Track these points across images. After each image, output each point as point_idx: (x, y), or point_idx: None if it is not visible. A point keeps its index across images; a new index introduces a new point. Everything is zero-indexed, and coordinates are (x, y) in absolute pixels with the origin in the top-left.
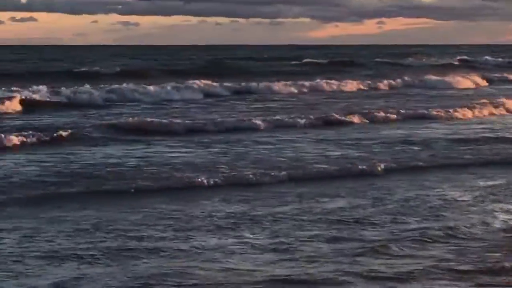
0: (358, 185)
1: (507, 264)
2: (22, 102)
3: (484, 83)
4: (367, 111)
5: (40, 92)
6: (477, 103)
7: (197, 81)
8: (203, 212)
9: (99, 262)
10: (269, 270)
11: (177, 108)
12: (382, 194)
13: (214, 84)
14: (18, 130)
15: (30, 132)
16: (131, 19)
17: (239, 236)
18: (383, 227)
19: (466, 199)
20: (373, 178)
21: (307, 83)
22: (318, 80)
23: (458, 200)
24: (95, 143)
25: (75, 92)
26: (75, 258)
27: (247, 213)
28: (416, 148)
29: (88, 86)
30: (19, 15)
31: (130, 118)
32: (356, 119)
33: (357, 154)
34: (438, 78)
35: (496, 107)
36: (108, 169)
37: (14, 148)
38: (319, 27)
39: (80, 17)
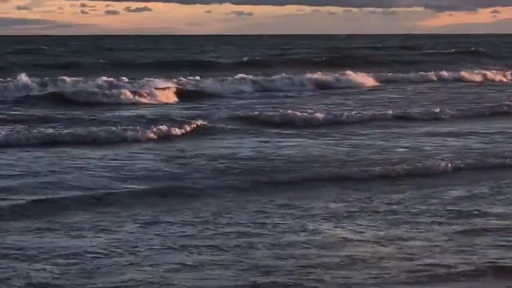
0: None
1: None
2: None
3: None
4: None
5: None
6: None
7: (349, 71)
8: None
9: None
10: None
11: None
12: None
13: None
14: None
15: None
16: (245, 8)
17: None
18: None
19: None
20: None
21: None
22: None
23: None
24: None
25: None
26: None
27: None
28: None
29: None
30: (134, 5)
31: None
32: None
33: None
34: None
35: None
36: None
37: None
38: (432, 16)
39: (194, 6)
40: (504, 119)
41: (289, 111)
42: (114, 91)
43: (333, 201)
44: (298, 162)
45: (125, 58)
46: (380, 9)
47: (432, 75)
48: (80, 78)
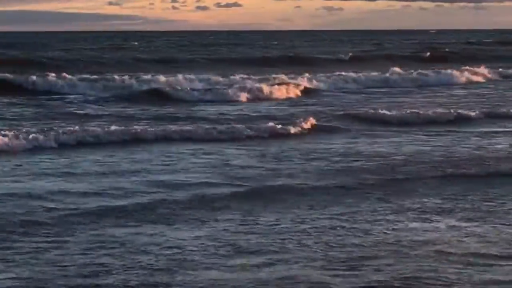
0: None
1: None
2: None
3: None
4: None
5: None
6: None
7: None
8: None
9: None
10: None
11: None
12: None
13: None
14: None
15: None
16: (335, 4)
17: None
18: None
19: None
20: None
21: None
22: None
23: None
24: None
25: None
26: None
27: None
28: None
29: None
30: (224, 0)
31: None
32: None
33: None
34: None
35: None
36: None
37: None
38: None
39: (284, 2)
40: None
41: (408, 111)
42: (222, 89)
43: None
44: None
45: (220, 53)
46: (471, 4)
47: None
48: (192, 76)
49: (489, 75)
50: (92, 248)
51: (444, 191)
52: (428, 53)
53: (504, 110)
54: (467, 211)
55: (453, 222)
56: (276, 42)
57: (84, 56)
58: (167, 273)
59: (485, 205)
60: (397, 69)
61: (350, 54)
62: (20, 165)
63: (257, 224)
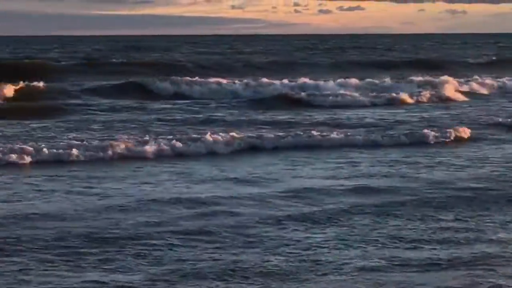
0: None
1: None
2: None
3: None
4: None
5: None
6: None
7: None
8: None
9: None
10: None
11: None
12: None
13: None
14: None
15: None
16: (459, 7)
17: None
18: None
19: None
20: None
21: None
22: None
23: None
24: None
25: None
26: None
27: None
28: None
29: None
30: (346, 4)
31: None
32: None
33: None
34: None
35: None
36: None
37: None
38: None
39: (407, 5)
40: None
41: None
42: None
43: None
44: None
45: (354, 57)
46: None
47: None
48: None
49: None
50: None
51: None
52: None
53: None
54: None
55: None
56: (405, 46)
57: (213, 60)
58: None
59: None
60: None
61: (494, 58)
62: None
63: None
